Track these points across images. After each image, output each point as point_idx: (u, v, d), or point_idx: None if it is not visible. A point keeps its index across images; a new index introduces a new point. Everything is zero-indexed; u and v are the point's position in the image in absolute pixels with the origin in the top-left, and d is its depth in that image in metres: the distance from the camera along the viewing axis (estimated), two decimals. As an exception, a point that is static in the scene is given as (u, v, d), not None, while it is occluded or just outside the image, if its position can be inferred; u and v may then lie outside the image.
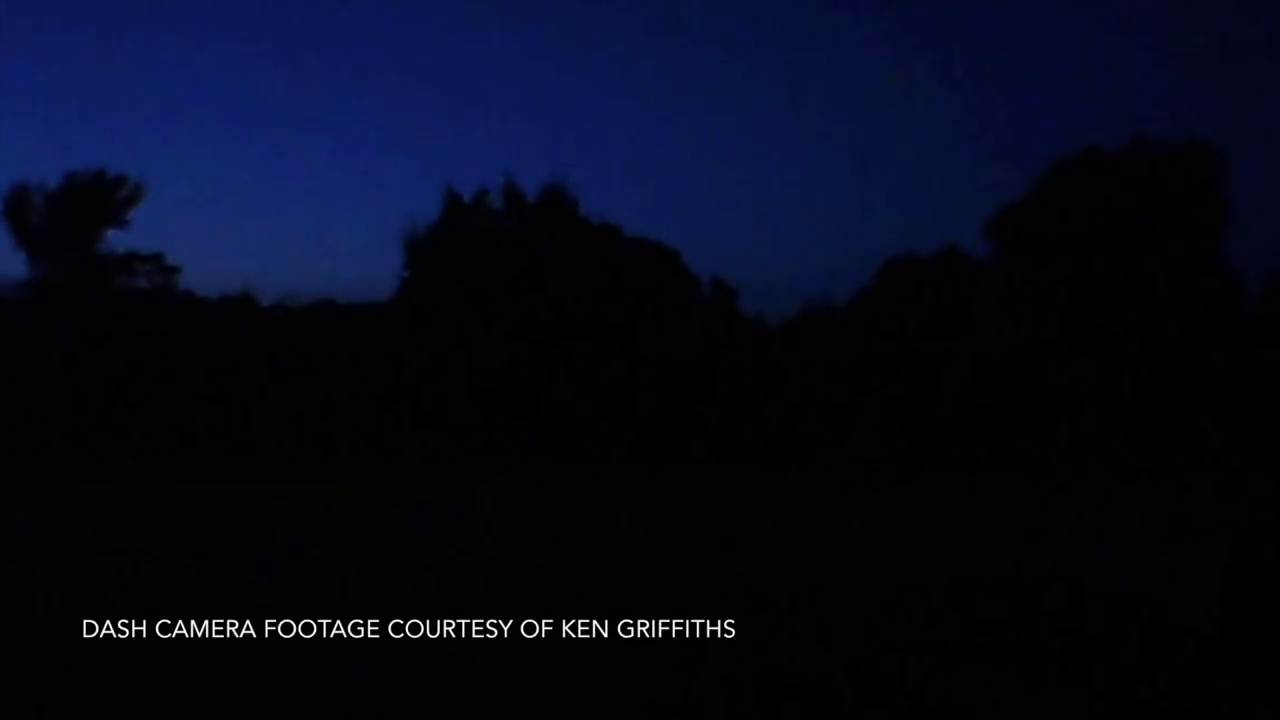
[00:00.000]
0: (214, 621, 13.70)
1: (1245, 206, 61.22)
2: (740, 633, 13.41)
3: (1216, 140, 52.41)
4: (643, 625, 13.68)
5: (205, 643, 12.87)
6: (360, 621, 13.82)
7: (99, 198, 55.90)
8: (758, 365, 53.56)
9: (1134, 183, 50.55)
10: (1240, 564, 18.52)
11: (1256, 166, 61.96)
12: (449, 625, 13.68)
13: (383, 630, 13.50)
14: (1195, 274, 50.25)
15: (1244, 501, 31.53)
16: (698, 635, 13.30)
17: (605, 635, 13.31)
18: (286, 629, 13.45)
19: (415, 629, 13.56)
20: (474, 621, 13.81)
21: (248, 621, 13.70)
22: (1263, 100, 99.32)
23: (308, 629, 13.47)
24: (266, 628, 13.48)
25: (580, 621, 13.80)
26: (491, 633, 13.40)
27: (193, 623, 13.67)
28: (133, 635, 13.20)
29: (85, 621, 13.64)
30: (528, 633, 13.40)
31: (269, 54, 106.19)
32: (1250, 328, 49.77)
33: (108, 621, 13.68)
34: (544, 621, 13.83)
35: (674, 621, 13.80)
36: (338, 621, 13.80)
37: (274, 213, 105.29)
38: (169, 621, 13.70)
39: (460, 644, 12.95)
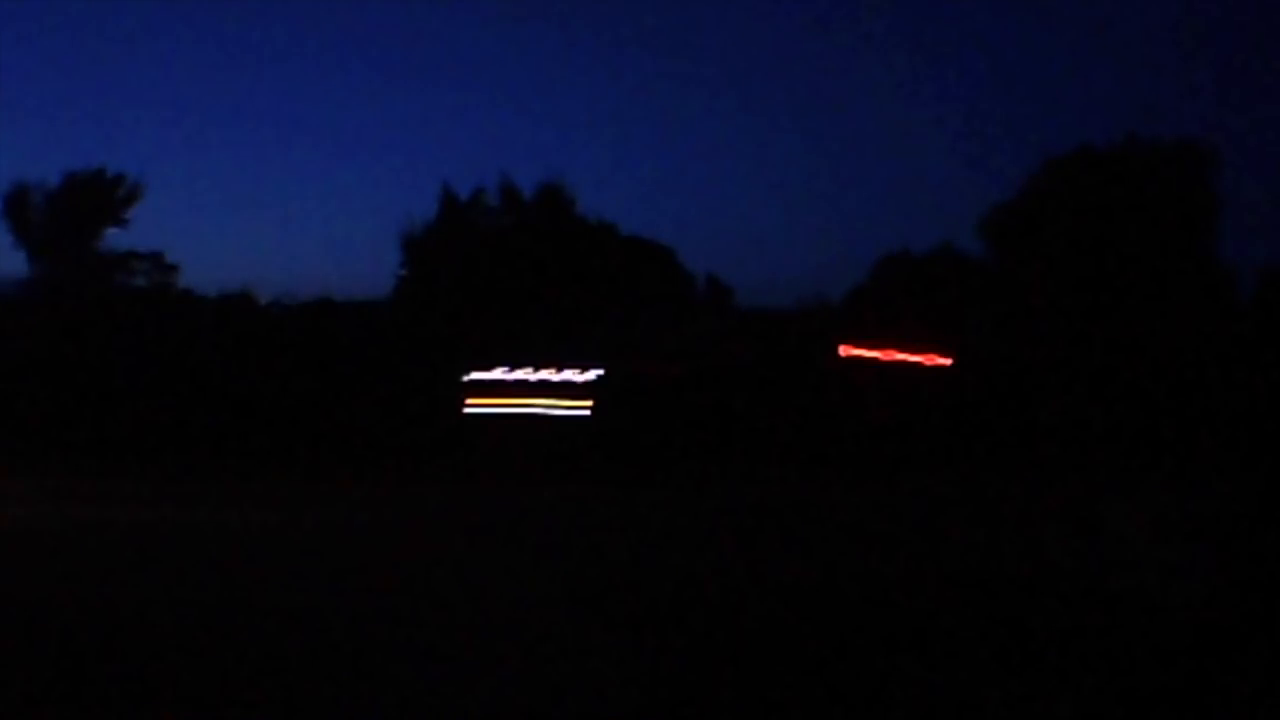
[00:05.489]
0: (213, 620, 13.86)
1: (1238, 204, 61.56)
2: (737, 630, 13.61)
3: (1208, 138, 52.77)
4: (642, 623, 13.89)
5: (207, 642, 13.01)
6: (364, 619, 14.03)
7: (98, 197, 56.04)
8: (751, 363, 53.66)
9: (1126, 181, 50.78)
10: (1234, 560, 18.76)
11: (1248, 164, 62.47)
12: (450, 624, 13.88)
13: (385, 628, 13.68)
14: (1188, 272, 50.49)
15: (1238, 498, 31.84)
16: (698, 632, 13.50)
17: (605, 631, 13.52)
18: (288, 629, 13.59)
19: (416, 627, 13.73)
20: (476, 618, 14.02)
21: (248, 621, 13.86)
22: (1254, 97, 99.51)
23: (308, 628, 13.64)
24: (266, 627, 13.64)
25: (582, 616, 14.01)
26: (494, 629, 13.61)
27: (192, 621, 13.82)
28: (133, 635, 13.32)
29: (83, 622, 13.75)
30: (528, 626, 13.61)
31: (268, 54, 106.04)
32: (1243, 325, 50.01)
33: (106, 620, 13.84)
34: (545, 616, 14.05)
35: (674, 619, 14.02)
36: (342, 619, 13.99)
37: (272, 211, 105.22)
38: (169, 621, 13.85)
39: (468, 637, 13.16)
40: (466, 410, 48.04)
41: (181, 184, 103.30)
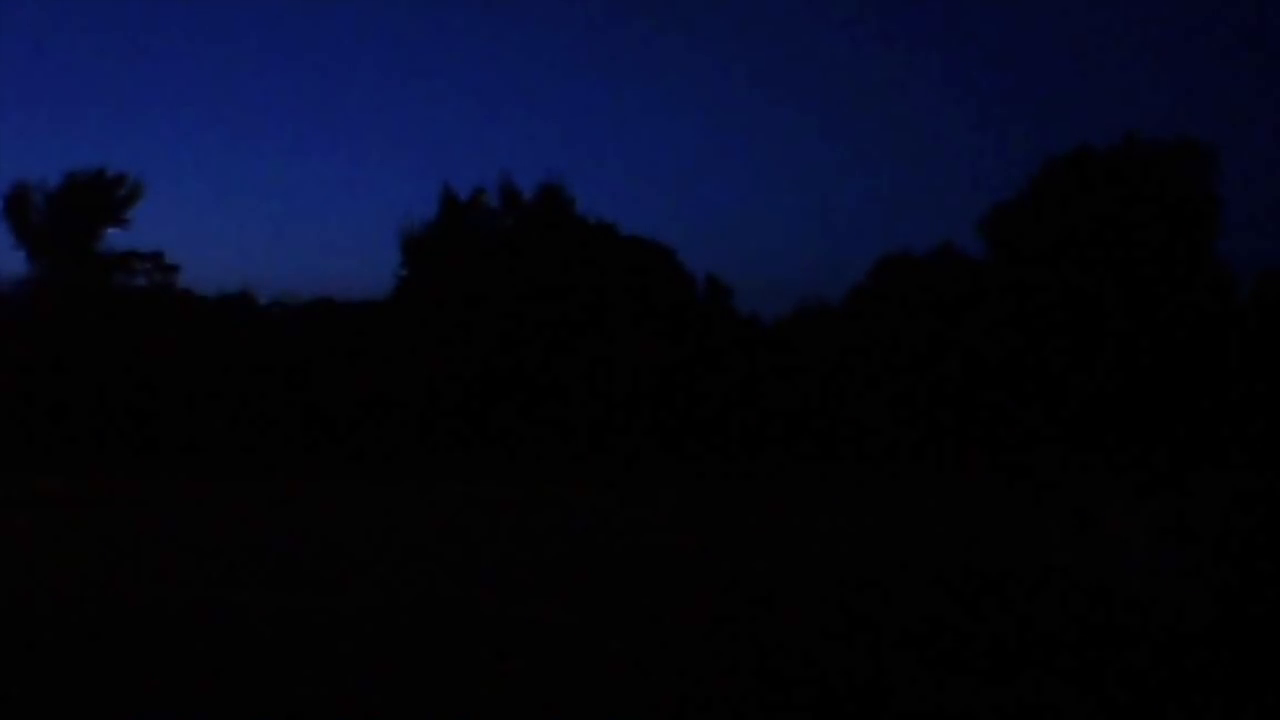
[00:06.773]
0: (210, 619, 13.91)
1: (1236, 204, 61.61)
2: (735, 629, 13.64)
3: (1208, 139, 52.82)
4: (640, 621, 13.92)
5: (204, 642, 13.03)
6: (366, 614, 14.07)
7: (98, 196, 56.10)
8: (752, 363, 53.81)
9: (1126, 181, 50.88)
10: (1233, 560, 18.77)
11: (1247, 164, 62.61)
12: (450, 619, 13.92)
13: (386, 624, 13.71)
14: (1187, 271, 50.57)
15: (1237, 498, 31.88)
16: (694, 631, 13.52)
17: (602, 629, 13.54)
18: (285, 627, 13.62)
19: (416, 623, 13.76)
20: (473, 614, 14.06)
21: (247, 620, 13.90)
22: (1253, 98, 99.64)
23: (306, 625, 13.67)
24: (266, 625, 13.69)
25: (575, 616, 14.04)
26: (488, 624, 13.63)
27: (188, 620, 13.85)
28: (131, 635, 13.32)
29: (85, 619, 13.79)
30: (523, 624, 13.64)
31: (268, 53, 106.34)
32: (1241, 324, 50.07)
33: (107, 619, 13.87)
34: (537, 615, 14.07)
35: (672, 618, 14.05)
36: (343, 616, 14.02)
37: (272, 212, 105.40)
38: (164, 620, 13.88)
39: (461, 632, 13.19)
40: None
41: (181, 184, 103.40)
